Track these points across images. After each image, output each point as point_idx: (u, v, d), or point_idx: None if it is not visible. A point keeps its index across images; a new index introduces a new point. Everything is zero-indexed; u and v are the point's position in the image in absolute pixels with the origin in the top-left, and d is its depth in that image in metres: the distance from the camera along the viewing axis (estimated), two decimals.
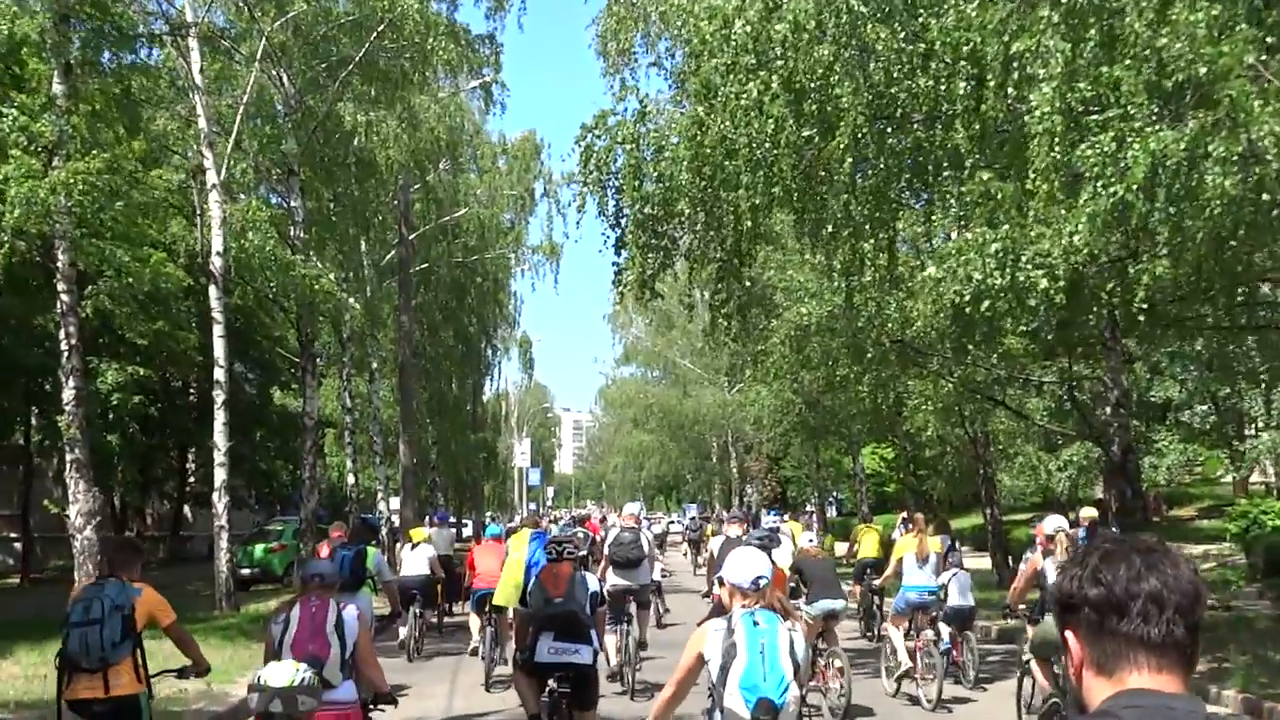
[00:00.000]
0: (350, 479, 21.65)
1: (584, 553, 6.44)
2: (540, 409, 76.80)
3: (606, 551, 9.53)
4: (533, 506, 60.45)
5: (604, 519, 22.54)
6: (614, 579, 9.36)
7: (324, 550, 9.42)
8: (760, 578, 3.60)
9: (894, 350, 12.87)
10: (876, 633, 11.66)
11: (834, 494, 34.58)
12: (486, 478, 40.06)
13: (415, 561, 11.26)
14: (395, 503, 22.54)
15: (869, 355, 12.62)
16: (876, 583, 11.18)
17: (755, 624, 3.50)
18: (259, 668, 3.62)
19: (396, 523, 21.43)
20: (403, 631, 11.04)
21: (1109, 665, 1.31)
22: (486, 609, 9.69)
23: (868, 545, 13.05)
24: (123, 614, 4.66)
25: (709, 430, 35.91)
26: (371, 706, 4.80)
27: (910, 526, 9.32)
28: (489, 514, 36.05)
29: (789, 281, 13.79)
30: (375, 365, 23.62)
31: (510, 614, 7.36)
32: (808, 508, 36.23)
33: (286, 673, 3.54)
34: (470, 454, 30.47)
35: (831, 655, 7.74)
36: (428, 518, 17.45)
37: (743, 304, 10.36)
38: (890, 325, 12.00)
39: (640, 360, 40.76)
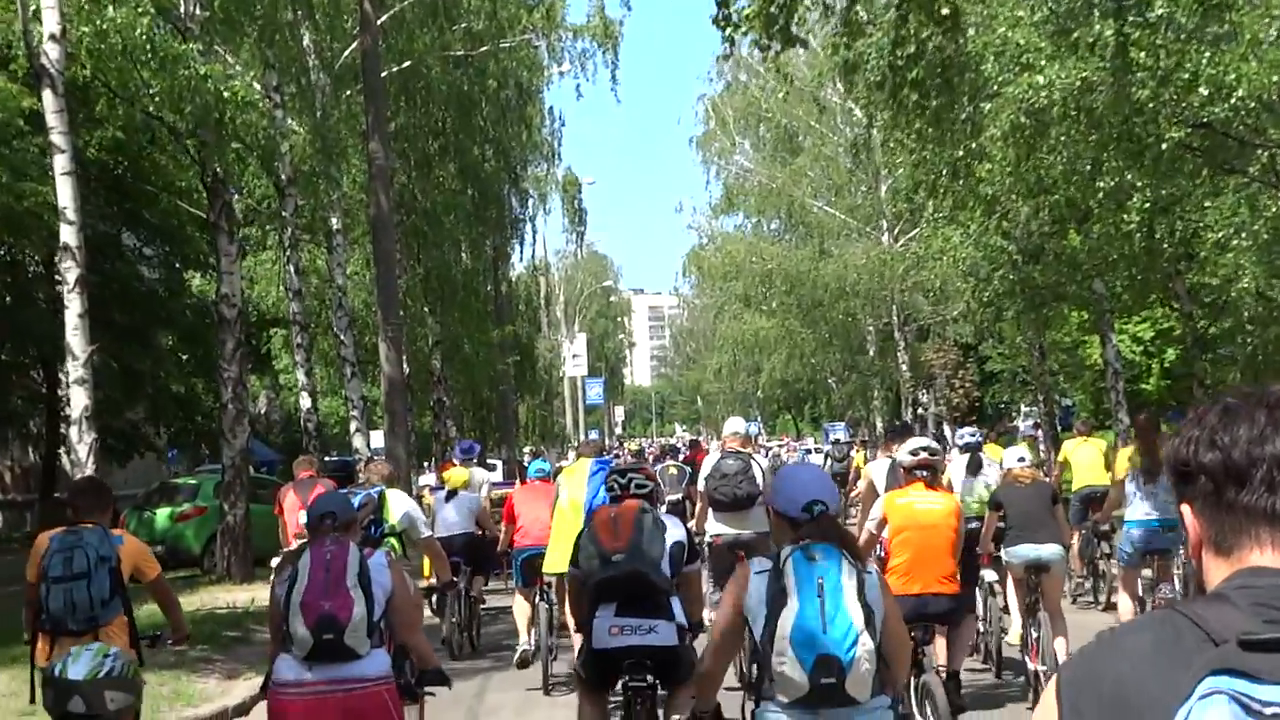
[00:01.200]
0: (304, 401, 21.95)
1: (654, 485, 6.43)
2: (599, 290, 79.03)
3: (702, 486, 9.98)
4: (593, 435, 61.71)
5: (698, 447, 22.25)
6: (715, 526, 9.80)
7: (287, 502, 10.51)
8: (816, 502, 3.98)
9: (1197, 138, 11.73)
10: (1106, 597, 12.08)
11: (1063, 397, 34.38)
12: (520, 394, 40.98)
13: (453, 516, 11.89)
14: (377, 439, 22.88)
15: (1148, 153, 11.58)
16: (1102, 524, 11.60)
17: (810, 560, 3.84)
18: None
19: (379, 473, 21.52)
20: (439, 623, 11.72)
21: (1228, 543, 1.52)
22: (538, 582, 10.42)
23: (1086, 466, 13.22)
24: (109, 566, 5.51)
25: (862, 307, 36.80)
26: (418, 689, 5.25)
27: (1128, 438, 9.82)
28: (527, 448, 36.17)
29: (1005, 45, 12.17)
30: (336, 225, 22.98)
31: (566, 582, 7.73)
32: (1023, 421, 35.51)
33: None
34: (493, 359, 30.74)
35: (1035, 624, 8.34)
36: (447, 455, 18.32)
37: (943, 64, 9.11)
38: (1192, 100, 10.54)
39: (751, 204, 41.18)
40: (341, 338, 22.28)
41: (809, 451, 47.91)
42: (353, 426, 21.99)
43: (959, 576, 7.49)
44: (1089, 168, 12.32)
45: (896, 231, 35.99)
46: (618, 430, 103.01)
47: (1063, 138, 12.03)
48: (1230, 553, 1.53)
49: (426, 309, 28.41)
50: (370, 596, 5.00)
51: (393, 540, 8.44)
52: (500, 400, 35.09)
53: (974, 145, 12.73)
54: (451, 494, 12.15)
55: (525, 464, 14.75)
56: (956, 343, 38.69)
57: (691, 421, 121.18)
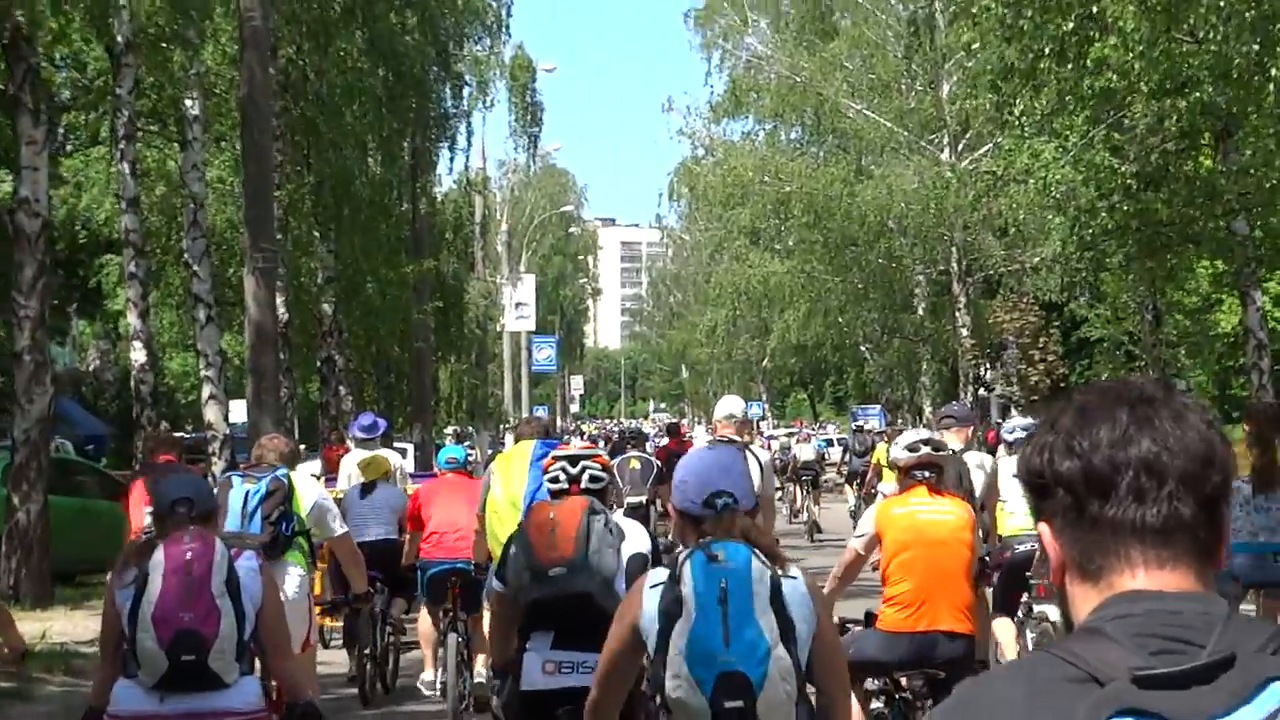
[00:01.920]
0: (137, 353, 22.08)
1: (609, 480, 6.79)
2: (555, 217, 79.88)
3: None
4: (540, 412, 61.66)
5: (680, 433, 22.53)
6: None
7: (134, 496, 10.42)
8: (720, 494, 4.48)
9: None
10: None
11: (1180, 377, 35.42)
12: (442, 354, 40.65)
13: (371, 516, 12.45)
14: (238, 409, 23.18)
15: None
16: None
17: (712, 561, 4.29)
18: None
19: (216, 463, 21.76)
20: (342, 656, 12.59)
21: (1095, 564, 1.75)
22: (449, 599, 11.16)
23: None
24: None
25: (911, 248, 37.16)
26: None
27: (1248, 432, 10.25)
28: (450, 429, 35.81)
29: None
30: (194, 111, 22.94)
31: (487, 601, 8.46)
32: None
33: None
34: (406, 305, 30.84)
35: None
36: (341, 433, 20.24)
37: None
38: None
39: (765, 105, 40.88)
40: (195, 268, 22.22)
41: (829, 443, 47.88)
42: (205, 392, 21.97)
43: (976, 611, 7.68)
44: (1255, 48, 11.66)
45: (962, 146, 36.11)
46: (574, 407, 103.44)
47: (1220, 3, 11.39)
48: (1098, 577, 1.76)
49: (316, 233, 28.26)
50: (240, 608, 5.28)
51: (303, 541, 8.90)
52: (415, 362, 34.95)
53: (1095, 9, 12.07)
54: (368, 487, 12.67)
55: (440, 447, 14.09)
56: (1038, 300, 38.38)
57: (673, 399, 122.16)
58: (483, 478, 10.87)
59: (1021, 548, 10.32)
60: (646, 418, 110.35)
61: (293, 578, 8.61)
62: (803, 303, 40.93)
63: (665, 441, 22.59)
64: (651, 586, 4.41)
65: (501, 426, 50.91)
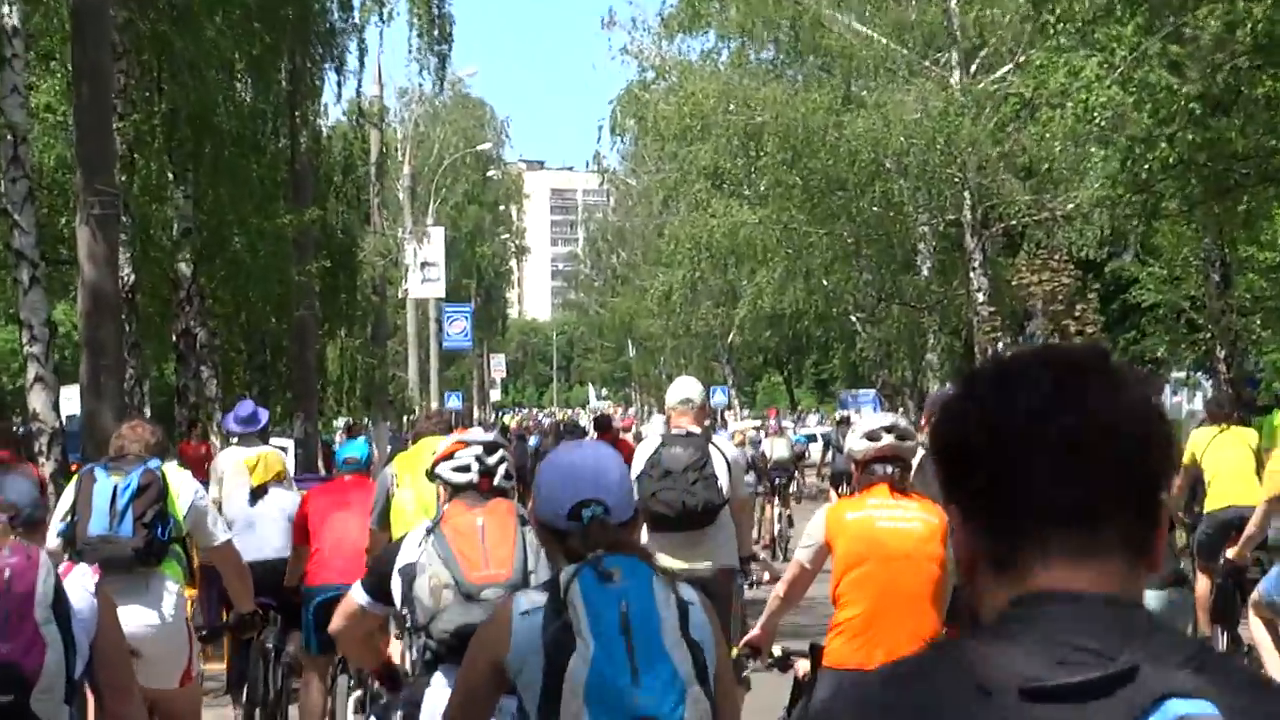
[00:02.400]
0: None
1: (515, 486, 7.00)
2: (470, 158, 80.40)
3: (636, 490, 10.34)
4: (452, 402, 61.51)
5: (631, 430, 22.30)
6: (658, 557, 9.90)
7: None
8: (588, 503, 4.59)
9: None
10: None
11: (1252, 353, 35.66)
12: (330, 326, 40.79)
13: (263, 528, 12.91)
14: (71, 397, 23.05)
15: None
16: (1242, 562, 13.09)
17: (602, 581, 4.40)
18: None
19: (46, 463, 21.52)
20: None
21: (1008, 556, 1.88)
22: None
23: (1228, 473, 14.60)
24: None
25: (913, 193, 37.66)
26: None
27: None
28: (340, 420, 35.41)
29: None
30: (12, 22, 22.33)
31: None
32: (1173, 393, 35.43)
33: None
34: (284, 264, 30.64)
35: None
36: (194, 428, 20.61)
37: None
38: None
39: (730, 17, 41.18)
40: (15, 217, 21.53)
41: (810, 439, 47.85)
42: (30, 373, 21.35)
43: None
44: None
45: (976, 65, 36.33)
46: (495, 394, 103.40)
47: None
48: (1010, 568, 1.87)
49: (170, 174, 28.01)
50: (70, 638, 5.32)
51: (179, 549, 9.17)
52: (296, 335, 34.93)
53: None
54: (258, 492, 13.06)
55: (337, 446, 14.25)
56: (1072, 256, 38.30)
57: (617, 383, 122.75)
58: (379, 480, 11.21)
59: None
60: (585, 406, 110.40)
61: (169, 594, 8.79)
62: (778, 261, 41.23)
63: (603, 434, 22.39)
64: (522, 613, 4.44)
65: (406, 418, 50.63)
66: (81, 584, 5.52)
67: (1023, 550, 1.86)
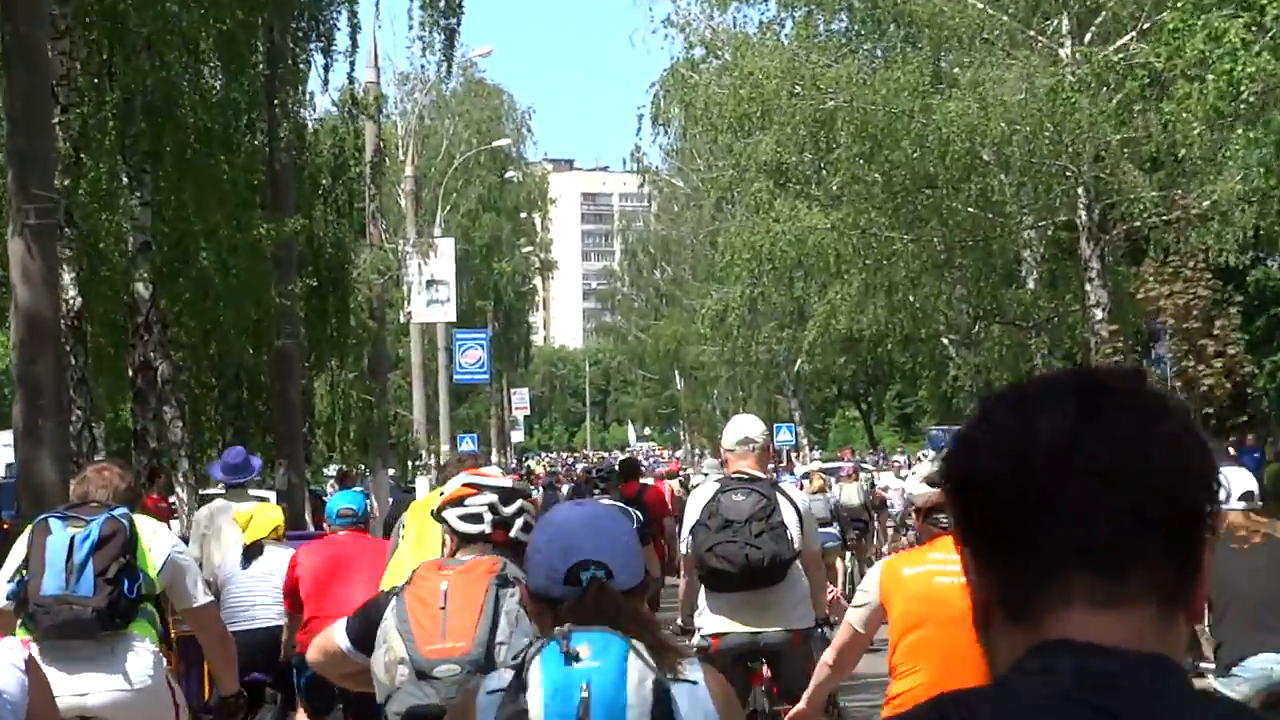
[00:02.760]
0: None
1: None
2: (484, 156, 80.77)
3: (686, 548, 11.43)
4: (466, 443, 61.23)
5: (680, 474, 22.45)
6: (712, 620, 11.15)
7: None
8: (586, 564, 4.77)
9: None
10: None
11: None
12: (319, 355, 40.82)
13: (261, 591, 13.52)
14: (9, 443, 23.26)
15: None
16: None
17: (569, 660, 4.55)
18: None
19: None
20: None
21: (1024, 601, 1.97)
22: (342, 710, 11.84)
23: None
24: None
25: (1016, 191, 37.88)
26: None
27: None
28: (333, 466, 35.08)
29: None
30: None
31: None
32: None
33: None
34: (261, 283, 30.42)
35: None
36: (168, 475, 22.04)
37: None
38: None
39: None
40: None
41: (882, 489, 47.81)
42: None
43: None
44: None
45: (1091, 35, 36.31)
46: (517, 435, 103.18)
47: None
48: (1026, 616, 1.96)
49: (124, 176, 27.83)
50: None
51: (152, 608, 9.30)
52: (277, 368, 34.83)
53: None
54: (253, 551, 13.64)
55: (328, 498, 16.31)
56: (1209, 264, 37.88)
57: (662, 420, 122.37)
58: (393, 536, 11.63)
59: None
60: (624, 449, 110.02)
61: (142, 655, 8.89)
62: (855, 274, 41.31)
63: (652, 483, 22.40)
64: (489, 693, 4.64)
65: (412, 464, 50.22)
66: (8, 658, 5.62)
67: (1041, 595, 1.94)
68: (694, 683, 4.61)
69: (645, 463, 63.31)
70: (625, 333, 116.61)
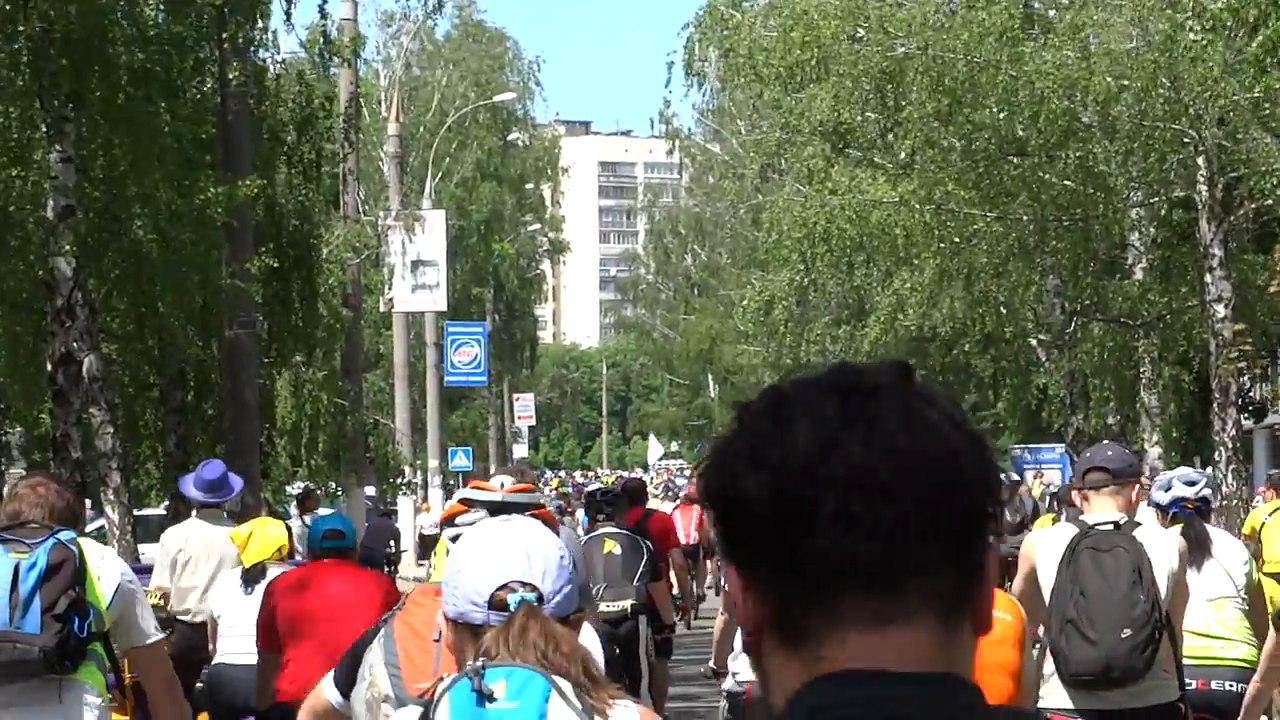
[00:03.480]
0: None
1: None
2: (483, 114, 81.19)
3: (722, 578, 11.80)
4: (459, 458, 60.61)
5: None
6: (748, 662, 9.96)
7: None
8: (512, 586, 5.09)
9: None
10: None
11: None
12: (280, 349, 41.06)
13: (249, 620, 14.05)
14: None
15: None
16: None
17: (483, 700, 4.83)
18: None
19: None
20: None
21: (795, 625, 2.09)
22: None
23: None
24: None
25: (1123, 158, 37.82)
26: None
27: None
28: (296, 484, 34.93)
29: None
30: None
31: None
32: None
33: None
34: (208, 257, 30.79)
35: None
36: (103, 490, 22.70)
37: None
38: None
39: None
40: None
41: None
42: None
43: None
44: None
45: None
46: (520, 449, 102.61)
47: None
48: (800, 641, 2.08)
49: (42, 126, 27.83)
50: None
51: (100, 649, 9.50)
52: (230, 363, 34.88)
53: None
54: (255, 575, 14.32)
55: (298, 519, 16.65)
56: None
57: (692, 433, 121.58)
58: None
59: (1225, 686, 11.74)
60: (647, 468, 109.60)
61: (89, 711, 9.13)
62: (928, 258, 41.49)
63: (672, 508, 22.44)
64: None
65: (390, 482, 50.05)
66: None
67: (811, 619, 2.05)
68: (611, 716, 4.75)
69: (675, 484, 62.95)
70: (650, 329, 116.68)
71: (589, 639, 6.82)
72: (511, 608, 4.83)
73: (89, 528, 29.05)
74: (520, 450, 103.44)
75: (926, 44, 36.26)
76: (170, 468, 36.08)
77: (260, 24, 35.17)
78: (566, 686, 4.70)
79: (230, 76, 32.75)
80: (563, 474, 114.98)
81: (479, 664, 4.72)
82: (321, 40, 41.96)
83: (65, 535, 9.37)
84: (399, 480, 52.07)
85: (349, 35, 47.48)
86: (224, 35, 32.32)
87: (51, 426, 29.72)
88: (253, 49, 35.11)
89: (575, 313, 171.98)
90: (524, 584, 4.88)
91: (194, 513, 17.74)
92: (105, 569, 9.62)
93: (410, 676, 6.42)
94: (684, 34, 46.75)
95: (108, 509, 28.79)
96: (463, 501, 7.20)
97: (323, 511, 28.63)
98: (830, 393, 2.06)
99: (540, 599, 4.87)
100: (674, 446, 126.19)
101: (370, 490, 48.47)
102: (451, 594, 5.08)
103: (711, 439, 2.20)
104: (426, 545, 42.87)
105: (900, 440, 2.02)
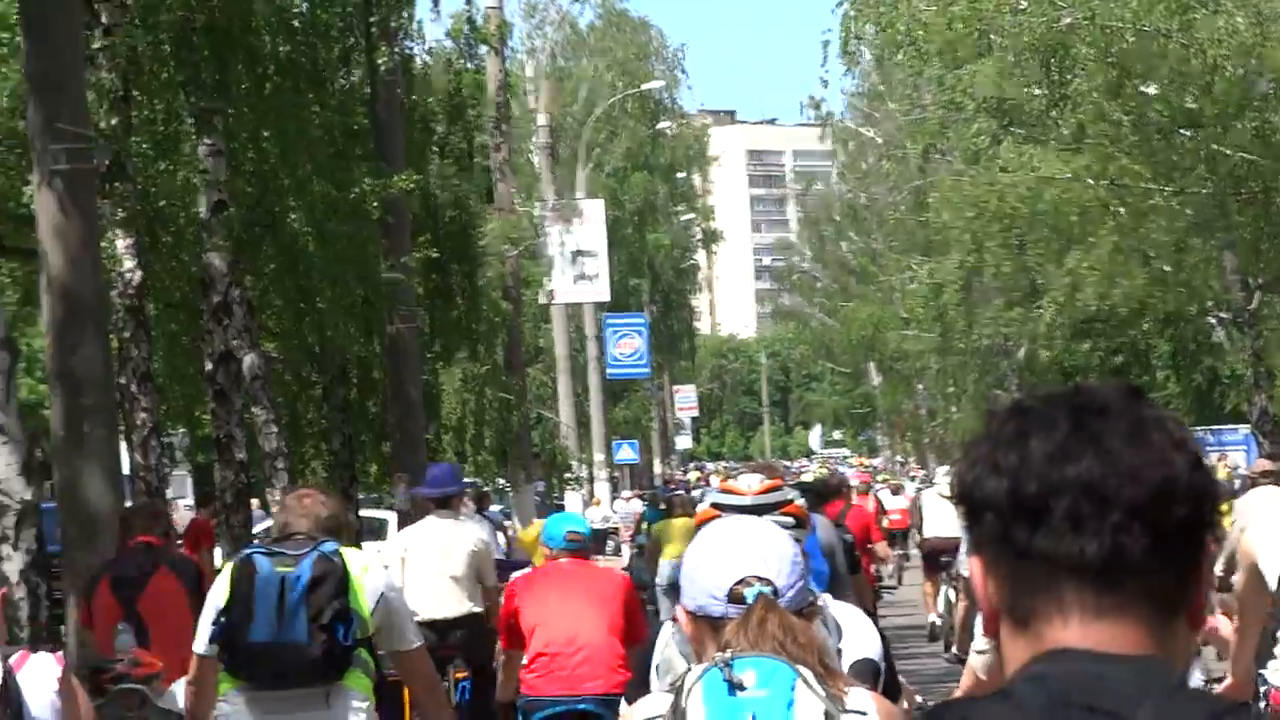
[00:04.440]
0: None
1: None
2: (632, 102, 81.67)
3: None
4: (624, 451, 60.08)
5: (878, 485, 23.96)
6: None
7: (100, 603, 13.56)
8: (750, 581, 5.26)
9: None
10: None
11: None
12: (444, 344, 41.47)
13: None
14: None
15: None
16: None
17: (734, 689, 4.96)
18: None
19: None
20: None
21: (1025, 611, 2.34)
22: None
23: None
24: None
25: None
26: None
27: None
28: (531, 486, 34.39)
29: None
30: None
31: None
32: None
33: None
34: (366, 251, 30.65)
35: None
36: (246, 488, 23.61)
37: None
38: None
39: None
40: None
41: None
42: None
43: None
44: None
45: None
46: (682, 440, 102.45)
47: None
48: (1028, 625, 2.31)
49: (189, 118, 27.94)
50: None
51: (366, 655, 9.84)
52: (393, 360, 35.20)
53: None
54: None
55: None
56: None
57: (854, 422, 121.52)
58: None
59: None
60: (809, 456, 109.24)
61: (356, 714, 9.45)
62: (1104, 235, 40.76)
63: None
64: (646, 719, 5.18)
65: (557, 478, 49.82)
66: (40, 676, 6.50)
67: (1039, 606, 2.28)
68: (863, 714, 5.01)
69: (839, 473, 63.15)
70: (807, 318, 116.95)
71: (861, 628, 7.44)
72: (748, 601, 5.03)
73: (255, 529, 29.01)
74: (683, 442, 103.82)
75: (1093, 13, 35.67)
76: (336, 466, 36.54)
77: (407, 14, 35.33)
78: (810, 675, 4.89)
79: (380, 62, 33.03)
80: (725, 464, 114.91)
81: (727, 655, 4.90)
82: (467, 28, 42.38)
83: (328, 547, 9.71)
84: (567, 475, 51.63)
85: (495, 23, 48.01)
86: (372, 25, 32.57)
87: (214, 427, 29.50)
88: (400, 38, 35.17)
89: (730, 303, 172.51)
90: (760, 578, 5.07)
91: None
92: (369, 579, 9.93)
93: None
94: (839, 10, 46.25)
95: (274, 510, 28.79)
96: (714, 506, 7.38)
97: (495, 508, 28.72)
98: (1065, 409, 2.30)
99: (776, 593, 5.08)
100: (836, 435, 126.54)
101: (540, 486, 48.12)
102: (690, 588, 5.29)
103: (963, 444, 2.52)
104: (599, 541, 42.68)
105: (1125, 456, 2.25)
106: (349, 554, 10.02)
